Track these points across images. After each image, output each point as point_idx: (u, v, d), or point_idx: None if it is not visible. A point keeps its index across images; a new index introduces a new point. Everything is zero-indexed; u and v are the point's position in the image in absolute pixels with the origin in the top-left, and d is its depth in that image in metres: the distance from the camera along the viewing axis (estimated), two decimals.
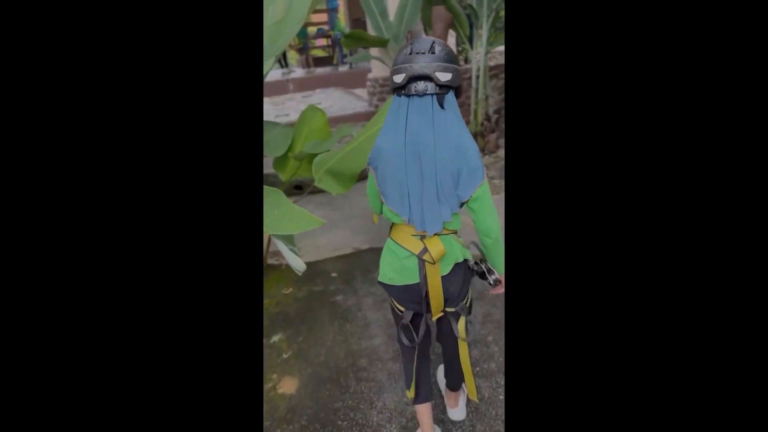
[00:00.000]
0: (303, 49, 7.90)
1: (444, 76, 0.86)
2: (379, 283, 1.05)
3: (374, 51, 4.23)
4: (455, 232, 1.01)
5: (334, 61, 7.93)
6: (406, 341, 1.09)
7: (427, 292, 1.00)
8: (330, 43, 8.23)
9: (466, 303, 1.08)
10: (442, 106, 0.89)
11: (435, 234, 0.95)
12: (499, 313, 1.83)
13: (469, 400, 1.39)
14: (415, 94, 0.88)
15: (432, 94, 0.88)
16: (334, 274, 2.28)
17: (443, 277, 0.99)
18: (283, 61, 8.12)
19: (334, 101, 5.35)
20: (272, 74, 7.17)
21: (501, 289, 1.06)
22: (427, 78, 0.87)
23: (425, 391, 1.17)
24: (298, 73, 7.75)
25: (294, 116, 4.19)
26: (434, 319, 1.06)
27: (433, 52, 0.86)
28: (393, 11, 3.85)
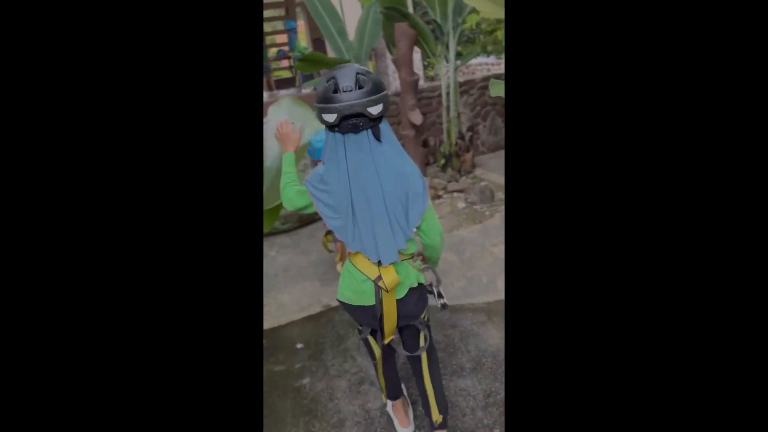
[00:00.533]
0: (264, 72, 7.55)
1: (376, 110, 0.87)
2: (338, 300, 1.09)
3: None
4: (412, 257, 1.05)
5: (297, 83, 7.62)
6: (369, 356, 1.19)
7: (381, 315, 1.03)
8: (292, 64, 7.90)
9: (424, 318, 1.12)
10: (378, 139, 0.90)
11: (391, 266, 0.98)
12: (504, 390, 1.49)
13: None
14: (351, 131, 0.88)
15: (367, 128, 0.89)
16: (299, 345, 1.89)
17: (399, 300, 1.03)
18: None
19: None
20: None
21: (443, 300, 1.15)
22: (359, 114, 0.86)
23: (395, 389, 1.29)
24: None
25: None
26: (386, 341, 1.09)
27: (360, 87, 0.85)
28: (353, 30, 3.57)
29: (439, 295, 1.12)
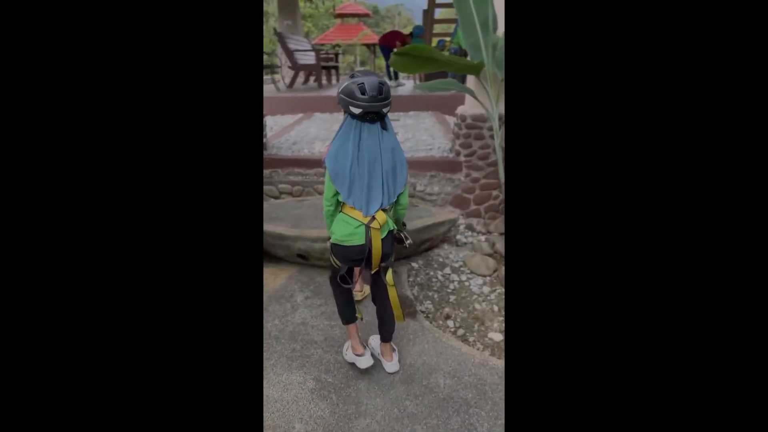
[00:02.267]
0: None
1: (386, 110, 1.33)
2: (332, 243, 1.47)
3: (470, 81, 2.99)
4: (388, 211, 1.48)
5: (392, 76, 6.86)
6: (344, 285, 1.52)
7: (370, 250, 1.41)
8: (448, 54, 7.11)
9: (392, 259, 1.52)
10: (384, 128, 1.36)
11: (381, 211, 1.39)
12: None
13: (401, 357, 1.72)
14: (368, 122, 1.33)
15: (378, 121, 1.33)
16: None
17: (382, 240, 1.42)
18: (393, 73, 7.35)
19: (416, 132, 4.24)
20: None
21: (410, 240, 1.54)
22: (377, 112, 1.31)
23: (352, 315, 1.65)
24: (407, 88, 6.88)
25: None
26: (373, 271, 1.51)
27: (380, 94, 1.28)
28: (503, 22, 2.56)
29: (406, 238, 1.53)
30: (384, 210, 1.40)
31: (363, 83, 1.25)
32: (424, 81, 6.96)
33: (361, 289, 2.22)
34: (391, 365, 1.69)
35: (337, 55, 9.06)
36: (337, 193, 1.39)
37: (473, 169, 3.09)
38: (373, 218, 1.37)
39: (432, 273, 2.55)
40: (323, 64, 7.41)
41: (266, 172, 3.34)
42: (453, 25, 7.52)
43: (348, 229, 1.39)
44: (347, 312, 1.63)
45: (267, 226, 2.51)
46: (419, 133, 4.12)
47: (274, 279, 2.45)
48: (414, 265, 2.64)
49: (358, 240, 1.39)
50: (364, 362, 1.62)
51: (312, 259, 2.49)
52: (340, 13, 14.45)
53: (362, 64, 18.41)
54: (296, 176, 3.34)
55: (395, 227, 1.49)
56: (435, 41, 7.72)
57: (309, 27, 17.19)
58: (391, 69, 7.24)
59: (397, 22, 24.93)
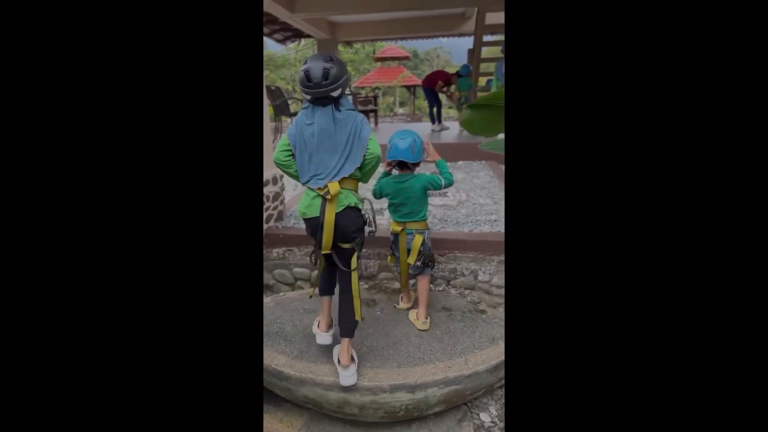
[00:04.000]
0: (463, 103, 6.25)
1: (336, 92, 1.39)
2: (298, 215, 1.53)
3: None
4: (354, 190, 1.51)
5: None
6: (315, 266, 1.57)
7: (322, 224, 1.42)
8: None
9: (358, 241, 1.51)
10: (338, 109, 1.42)
11: (336, 182, 1.43)
12: None
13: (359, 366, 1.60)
14: (320, 105, 1.41)
15: (331, 103, 1.42)
16: None
17: (337, 214, 1.43)
18: (437, 115, 6.67)
19: (470, 192, 3.37)
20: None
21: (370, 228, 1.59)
22: (326, 96, 1.38)
23: (328, 287, 1.67)
24: (451, 133, 6.13)
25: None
26: (323, 252, 1.47)
27: (326, 79, 1.34)
28: None
29: (369, 223, 1.54)
30: (343, 182, 1.44)
31: (309, 69, 1.34)
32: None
33: (409, 301, 2.07)
34: (345, 375, 1.50)
35: (375, 98, 8.64)
36: (288, 153, 1.47)
37: None
38: (327, 189, 1.41)
39: None
40: (361, 108, 6.92)
41: (279, 251, 2.57)
42: (493, 64, 6.82)
43: (306, 200, 1.47)
44: (324, 284, 1.66)
45: (265, 351, 1.69)
46: (475, 194, 3.24)
47: None
48: (484, 419, 1.68)
49: (315, 212, 1.45)
50: (321, 339, 1.68)
51: (328, 411, 1.62)
52: (380, 57, 14.54)
53: (401, 104, 18.28)
54: None
55: (360, 207, 1.51)
56: (483, 80, 7.02)
57: (350, 71, 17.44)
58: (434, 110, 6.56)
59: (436, 64, 25.07)
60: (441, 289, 2.35)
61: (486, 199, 3.06)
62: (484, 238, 2.34)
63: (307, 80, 1.34)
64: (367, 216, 1.53)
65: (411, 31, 8.72)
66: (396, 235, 1.89)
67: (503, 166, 4.19)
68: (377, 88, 13.24)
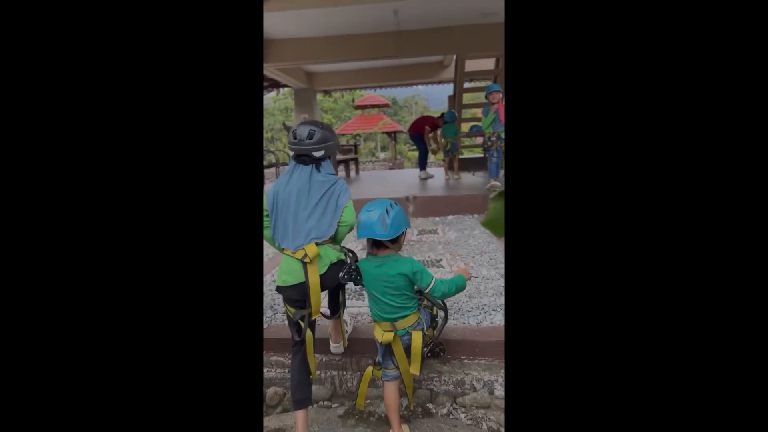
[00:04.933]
0: (449, 152, 5.89)
1: (318, 153, 1.44)
2: (277, 288, 1.47)
3: None
4: (332, 242, 1.47)
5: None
6: (296, 336, 1.46)
7: (309, 287, 1.38)
8: (488, 144, 6.02)
9: (342, 299, 1.61)
10: (318, 170, 1.44)
11: (313, 243, 1.40)
12: None
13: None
14: (301, 163, 1.46)
15: (312, 164, 1.45)
16: None
17: (321, 276, 1.41)
18: (423, 162, 6.29)
19: (466, 258, 2.82)
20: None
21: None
22: (306, 154, 1.44)
23: (304, 398, 1.46)
24: (436, 182, 5.71)
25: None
26: (314, 317, 1.44)
27: (310, 138, 1.42)
28: None
29: (349, 266, 1.46)
30: (319, 244, 1.41)
31: (296, 129, 1.45)
32: (457, 172, 5.80)
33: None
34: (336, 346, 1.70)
35: (356, 146, 8.32)
36: (264, 214, 1.46)
37: None
38: (305, 253, 1.38)
39: None
40: (340, 157, 6.51)
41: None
42: (478, 110, 6.64)
43: (286, 266, 1.43)
44: (300, 394, 1.45)
45: None
46: (476, 263, 2.67)
47: None
48: None
49: (297, 277, 1.40)
50: None
51: None
52: (360, 104, 14.62)
53: (383, 149, 18.29)
54: (324, 355, 1.90)
55: (342, 258, 1.48)
56: (467, 127, 6.79)
57: (329, 119, 17.50)
58: (425, 156, 6.18)
59: (415, 111, 25.73)
60: (445, 411, 1.71)
61: (490, 270, 2.51)
62: (499, 336, 1.76)
63: (293, 137, 1.45)
64: (349, 267, 1.45)
65: (389, 79, 8.59)
66: (385, 345, 1.39)
67: None
68: (358, 135, 13.12)
